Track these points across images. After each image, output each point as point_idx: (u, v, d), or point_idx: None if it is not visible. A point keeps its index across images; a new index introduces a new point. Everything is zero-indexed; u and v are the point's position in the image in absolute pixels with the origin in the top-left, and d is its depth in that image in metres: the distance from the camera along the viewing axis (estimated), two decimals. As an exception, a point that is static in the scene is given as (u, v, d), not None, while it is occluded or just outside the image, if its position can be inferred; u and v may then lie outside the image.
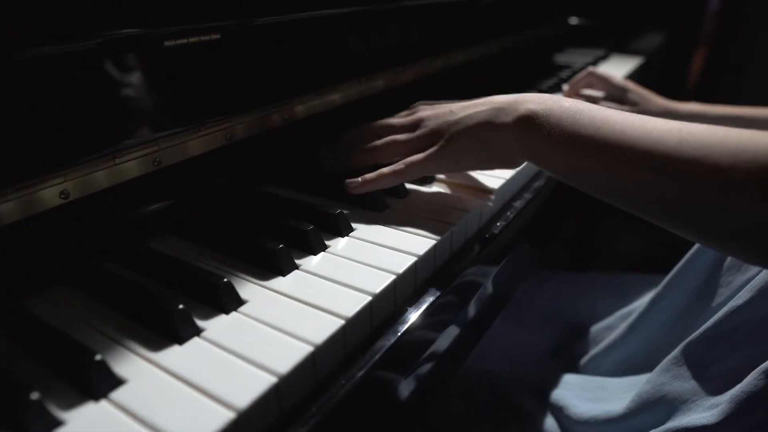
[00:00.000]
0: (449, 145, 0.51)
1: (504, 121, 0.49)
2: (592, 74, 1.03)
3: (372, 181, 0.54)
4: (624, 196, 0.44)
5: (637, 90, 0.99)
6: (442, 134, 0.52)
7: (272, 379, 0.34)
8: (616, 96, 1.00)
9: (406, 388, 0.48)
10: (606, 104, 0.99)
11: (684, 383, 0.53)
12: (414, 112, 0.59)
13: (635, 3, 1.76)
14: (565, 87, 1.08)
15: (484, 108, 0.51)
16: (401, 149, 0.56)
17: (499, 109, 0.50)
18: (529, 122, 0.48)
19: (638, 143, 0.42)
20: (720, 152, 0.38)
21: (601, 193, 0.47)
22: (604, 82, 1.02)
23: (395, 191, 0.59)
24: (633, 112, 0.94)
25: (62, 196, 0.43)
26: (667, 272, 0.68)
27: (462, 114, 0.52)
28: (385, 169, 0.54)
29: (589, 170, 0.46)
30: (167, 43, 0.49)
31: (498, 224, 0.59)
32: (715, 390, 0.51)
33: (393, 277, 0.44)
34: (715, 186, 0.38)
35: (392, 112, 0.80)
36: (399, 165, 0.54)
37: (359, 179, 0.54)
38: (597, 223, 1.69)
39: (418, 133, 0.55)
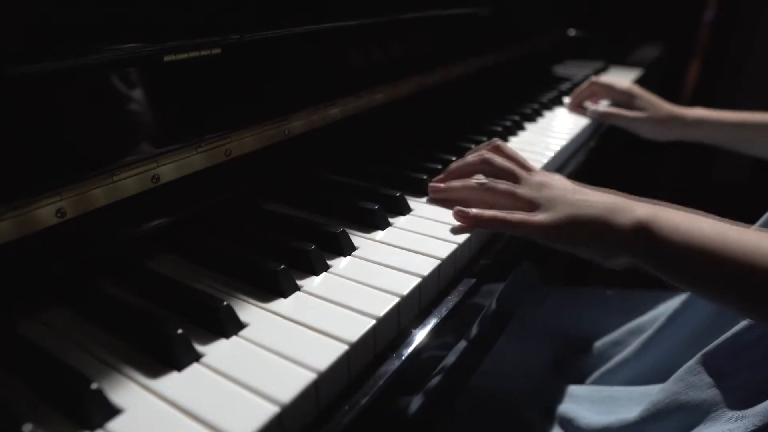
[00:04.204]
0: (567, 226, 0.51)
1: (620, 223, 0.50)
2: (595, 83, 1.03)
3: (481, 219, 0.54)
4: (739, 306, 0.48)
5: (643, 95, 0.99)
6: (556, 208, 0.52)
7: (274, 409, 0.33)
8: (623, 102, 1.00)
9: (411, 409, 0.47)
10: (615, 109, 0.99)
11: (700, 393, 0.52)
12: (533, 174, 0.59)
13: (632, 15, 1.76)
14: (566, 99, 1.08)
15: (597, 201, 0.52)
16: (511, 202, 0.55)
17: (612, 209, 0.51)
18: (646, 230, 0.49)
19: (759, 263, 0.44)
20: None
21: (712, 298, 0.50)
22: (607, 89, 1.02)
23: (398, 208, 0.58)
24: (641, 118, 0.95)
25: (58, 214, 0.42)
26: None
27: (578, 198, 0.53)
28: (499, 214, 0.53)
29: (702, 284, 0.49)
30: (167, 58, 0.48)
31: (503, 239, 0.59)
32: (738, 401, 0.50)
33: (397, 299, 0.43)
34: None
35: (392, 126, 0.80)
36: (513, 216, 0.53)
37: (472, 211, 0.54)
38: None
39: (537, 196, 0.54)
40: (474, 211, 0.54)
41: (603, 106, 1.02)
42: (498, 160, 0.59)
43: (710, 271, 0.46)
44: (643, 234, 0.49)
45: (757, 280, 0.44)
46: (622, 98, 1.00)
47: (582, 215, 0.51)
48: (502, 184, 0.57)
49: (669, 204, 0.53)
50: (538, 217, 0.52)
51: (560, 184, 0.55)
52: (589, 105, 1.03)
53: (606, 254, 0.52)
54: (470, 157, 0.61)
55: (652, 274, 0.51)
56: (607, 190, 0.55)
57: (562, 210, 0.52)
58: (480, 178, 0.59)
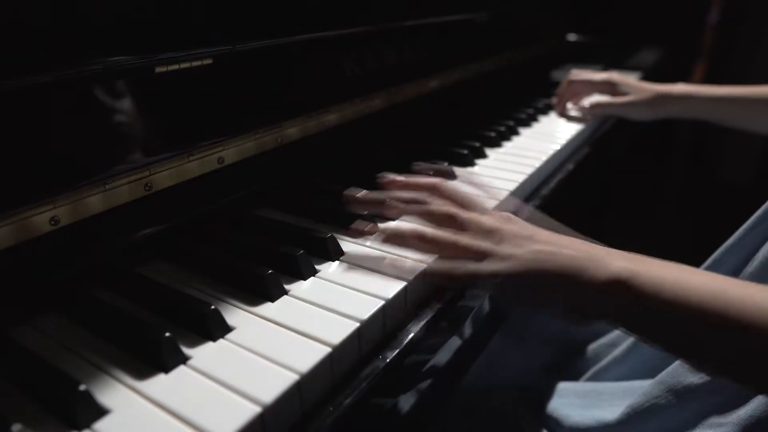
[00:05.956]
0: (526, 279, 0.44)
1: (592, 278, 0.42)
2: (573, 82, 1.04)
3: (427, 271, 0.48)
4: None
5: (624, 80, 1.02)
6: (510, 258, 0.44)
7: (256, 409, 0.33)
8: (606, 91, 1.02)
9: (398, 410, 0.47)
10: (603, 99, 1.01)
11: (679, 398, 0.52)
12: (480, 217, 0.49)
13: (635, 18, 1.76)
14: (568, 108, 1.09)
15: (562, 251, 0.44)
16: (457, 253, 0.47)
17: (582, 260, 0.43)
18: (625, 286, 0.41)
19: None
20: None
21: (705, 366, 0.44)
22: (587, 84, 1.04)
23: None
24: (630, 101, 0.96)
25: (52, 222, 0.43)
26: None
27: (537, 247, 0.45)
28: (444, 265, 0.47)
29: (691, 347, 0.42)
30: (158, 69, 0.49)
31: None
32: (716, 407, 0.50)
33: (382, 302, 0.44)
34: None
35: (389, 132, 0.81)
36: (457, 268, 0.46)
37: (407, 263, 0.48)
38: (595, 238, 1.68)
39: (484, 244, 0.46)
40: (410, 263, 0.48)
41: (590, 100, 1.04)
42: (437, 209, 0.50)
43: (705, 333, 0.40)
44: (622, 290, 0.41)
45: (761, 342, 0.38)
46: (604, 89, 1.03)
47: (545, 268, 0.44)
48: (444, 234, 0.48)
49: (645, 257, 0.45)
50: (490, 266, 0.45)
51: (515, 229, 0.47)
52: (572, 106, 1.06)
53: (574, 313, 0.45)
54: (403, 196, 0.52)
55: (626, 332, 0.46)
56: (570, 235, 0.48)
57: (519, 260, 0.44)
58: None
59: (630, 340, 0.69)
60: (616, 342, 0.76)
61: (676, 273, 0.42)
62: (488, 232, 0.47)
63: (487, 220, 0.48)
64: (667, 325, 0.41)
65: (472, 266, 0.45)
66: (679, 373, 0.53)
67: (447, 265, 0.47)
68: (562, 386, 0.68)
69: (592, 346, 0.79)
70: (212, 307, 0.41)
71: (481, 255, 0.46)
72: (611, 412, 0.58)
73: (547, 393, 0.68)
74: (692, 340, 0.41)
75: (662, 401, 0.53)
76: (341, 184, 0.66)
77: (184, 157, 0.52)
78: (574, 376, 0.76)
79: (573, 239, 0.47)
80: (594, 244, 0.46)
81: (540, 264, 0.44)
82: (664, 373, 0.55)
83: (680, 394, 0.52)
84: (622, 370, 0.69)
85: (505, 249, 0.45)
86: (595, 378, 0.73)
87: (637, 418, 0.55)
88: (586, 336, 0.82)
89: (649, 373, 0.64)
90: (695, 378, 0.52)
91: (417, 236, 0.49)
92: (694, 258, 0.56)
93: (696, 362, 0.45)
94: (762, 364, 0.38)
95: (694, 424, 0.51)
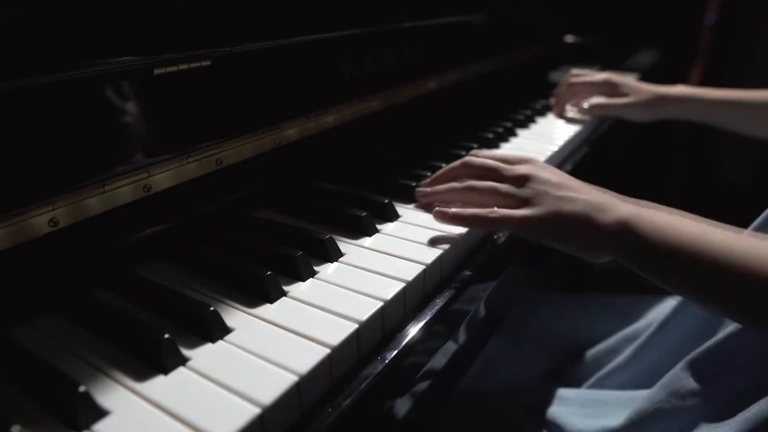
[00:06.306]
0: (550, 221, 0.51)
1: (602, 221, 0.50)
2: (574, 84, 1.04)
3: (461, 218, 0.54)
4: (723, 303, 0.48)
5: (624, 81, 1.02)
6: (540, 203, 0.52)
7: (256, 410, 0.34)
8: (606, 92, 1.03)
9: (397, 413, 0.47)
10: (603, 100, 1.01)
11: (682, 401, 0.53)
12: (520, 163, 0.58)
13: (632, 20, 1.77)
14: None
15: (581, 197, 0.52)
16: (496, 200, 0.55)
17: (595, 206, 0.51)
18: (628, 229, 0.49)
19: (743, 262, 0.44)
20: None
21: (693, 296, 0.50)
22: (587, 86, 1.04)
23: (386, 215, 0.59)
24: (630, 102, 0.96)
25: (51, 224, 0.43)
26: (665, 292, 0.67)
27: (562, 193, 0.52)
28: (479, 212, 0.53)
29: (682, 283, 0.49)
30: (157, 71, 0.49)
31: (491, 244, 0.59)
32: (720, 409, 0.50)
33: (381, 303, 0.44)
34: None
35: (388, 133, 0.81)
36: (493, 213, 0.53)
37: (451, 210, 0.54)
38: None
39: (521, 192, 0.54)
40: (453, 210, 0.54)
41: (589, 101, 1.04)
42: (477, 160, 0.59)
43: (690, 270, 0.47)
44: (625, 232, 0.49)
45: (736, 281, 0.44)
46: (603, 90, 1.03)
47: (565, 211, 0.51)
48: (484, 182, 0.56)
49: (654, 204, 0.53)
50: (521, 212, 0.52)
51: (545, 176, 0.55)
52: (571, 107, 1.06)
53: (589, 251, 0.52)
54: (453, 163, 0.62)
55: (636, 272, 0.51)
56: (595, 186, 0.55)
57: (546, 205, 0.52)
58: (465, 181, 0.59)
59: (632, 348, 0.70)
60: (617, 349, 0.76)
61: (673, 219, 0.49)
62: (523, 180, 0.54)
63: (524, 168, 0.56)
64: (662, 263, 0.48)
65: (506, 212, 0.53)
66: (681, 377, 0.53)
67: (484, 211, 0.53)
68: (564, 393, 0.69)
69: (591, 352, 0.79)
70: (211, 308, 0.41)
71: (517, 201, 0.53)
72: (616, 420, 0.58)
73: (548, 398, 0.68)
74: (683, 277, 0.48)
75: (666, 405, 0.53)
76: (340, 185, 0.67)
77: (183, 159, 0.52)
78: (575, 383, 0.76)
79: (592, 187, 0.54)
80: (610, 194, 0.54)
81: (561, 208, 0.51)
82: (666, 377, 0.55)
83: (684, 397, 0.52)
84: (625, 377, 0.69)
85: (537, 196, 0.53)
86: (597, 385, 0.73)
87: (641, 423, 0.55)
88: (585, 341, 0.83)
89: (652, 380, 0.64)
90: (697, 382, 0.52)
91: (460, 186, 0.57)
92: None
93: (692, 297, 0.51)
94: (744, 299, 0.45)
95: (698, 427, 0.51)
